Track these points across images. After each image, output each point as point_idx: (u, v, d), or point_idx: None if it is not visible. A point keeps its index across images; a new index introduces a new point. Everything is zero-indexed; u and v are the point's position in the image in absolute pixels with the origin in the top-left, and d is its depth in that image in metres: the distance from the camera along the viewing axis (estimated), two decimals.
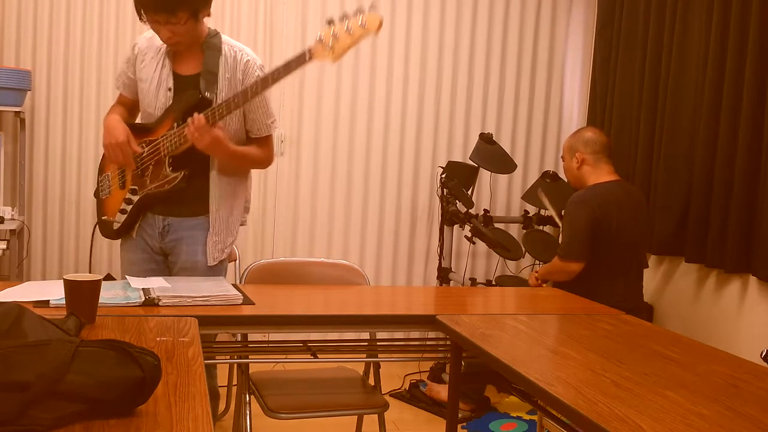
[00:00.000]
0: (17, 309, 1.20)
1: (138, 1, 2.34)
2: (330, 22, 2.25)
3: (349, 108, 4.28)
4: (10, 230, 3.57)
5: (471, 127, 4.46)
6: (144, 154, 2.47)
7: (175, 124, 2.41)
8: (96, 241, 4.01)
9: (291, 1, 4.15)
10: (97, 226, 2.64)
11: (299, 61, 2.28)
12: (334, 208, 4.33)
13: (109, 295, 1.97)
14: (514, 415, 3.55)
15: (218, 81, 2.45)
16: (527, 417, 3.52)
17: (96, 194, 2.66)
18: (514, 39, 4.47)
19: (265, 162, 2.64)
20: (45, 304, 1.88)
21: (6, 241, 3.54)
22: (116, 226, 2.55)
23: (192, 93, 2.42)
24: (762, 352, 2.47)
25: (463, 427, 3.39)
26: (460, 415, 3.40)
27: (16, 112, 3.75)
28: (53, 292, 1.96)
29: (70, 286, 1.68)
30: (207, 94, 2.42)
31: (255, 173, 4.13)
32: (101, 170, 2.64)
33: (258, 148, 2.58)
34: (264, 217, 4.24)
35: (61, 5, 3.89)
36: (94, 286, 1.71)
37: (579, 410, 1.33)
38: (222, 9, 4.02)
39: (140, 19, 2.36)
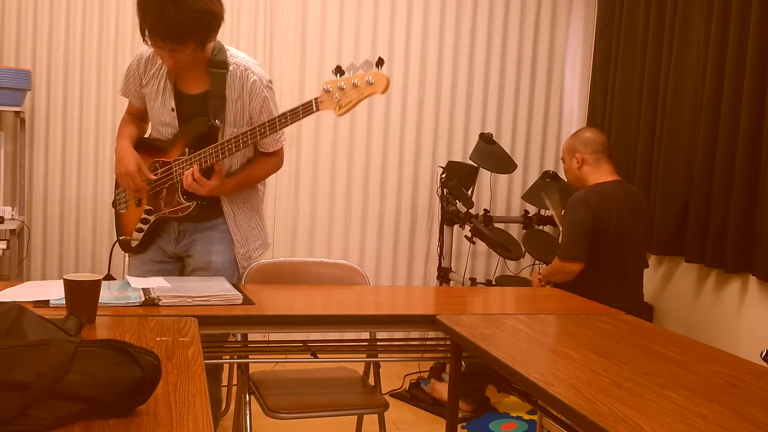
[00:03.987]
0: (17, 309, 1.20)
1: (145, 24, 2.25)
2: (337, 71, 2.22)
3: None
4: (10, 230, 3.57)
5: (471, 127, 4.46)
6: (157, 178, 2.48)
7: (187, 150, 2.42)
8: (97, 240, 4.02)
9: (291, 2, 4.16)
10: (117, 244, 2.66)
11: (306, 109, 2.27)
12: (334, 208, 4.33)
13: (109, 295, 1.97)
14: (514, 415, 3.55)
15: (226, 104, 2.43)
16: (527, 417, 3.52)
17: (114, 204, 2.68)
18: (514, 39, 4.47)
19: (273, 170, 2.65)
20: (45, 304, 1.88)
21: (6, 241, 3.54)
22: (134, 243, 2.58)
23: (201, 120, 2.41)
24: (762, 352, 2.47)
25: (463, 427, 3.39)
26: (460, 415, 3.40)
27: (16, 112, 3.75)
28: (53, 292, 1.96)
29: (70, 286, 1.68)
30: (216, 122, 2.41)
31: None
32: (117, 184, 2.65)
33: (266, 159, 2.59)
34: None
35: (61, 5, 3.89)
36: (94, 286, 1.71)
37: (579, 410, 1.33)
38: None
39: (144, 40, 2.30)
